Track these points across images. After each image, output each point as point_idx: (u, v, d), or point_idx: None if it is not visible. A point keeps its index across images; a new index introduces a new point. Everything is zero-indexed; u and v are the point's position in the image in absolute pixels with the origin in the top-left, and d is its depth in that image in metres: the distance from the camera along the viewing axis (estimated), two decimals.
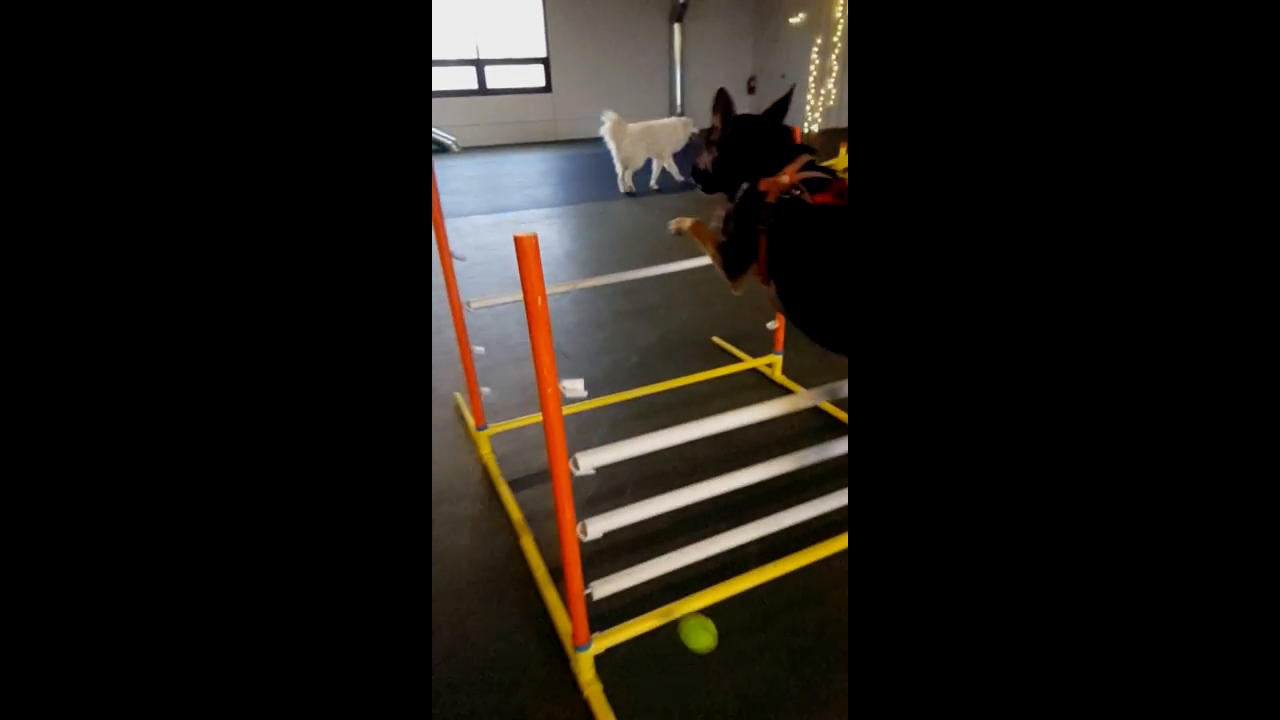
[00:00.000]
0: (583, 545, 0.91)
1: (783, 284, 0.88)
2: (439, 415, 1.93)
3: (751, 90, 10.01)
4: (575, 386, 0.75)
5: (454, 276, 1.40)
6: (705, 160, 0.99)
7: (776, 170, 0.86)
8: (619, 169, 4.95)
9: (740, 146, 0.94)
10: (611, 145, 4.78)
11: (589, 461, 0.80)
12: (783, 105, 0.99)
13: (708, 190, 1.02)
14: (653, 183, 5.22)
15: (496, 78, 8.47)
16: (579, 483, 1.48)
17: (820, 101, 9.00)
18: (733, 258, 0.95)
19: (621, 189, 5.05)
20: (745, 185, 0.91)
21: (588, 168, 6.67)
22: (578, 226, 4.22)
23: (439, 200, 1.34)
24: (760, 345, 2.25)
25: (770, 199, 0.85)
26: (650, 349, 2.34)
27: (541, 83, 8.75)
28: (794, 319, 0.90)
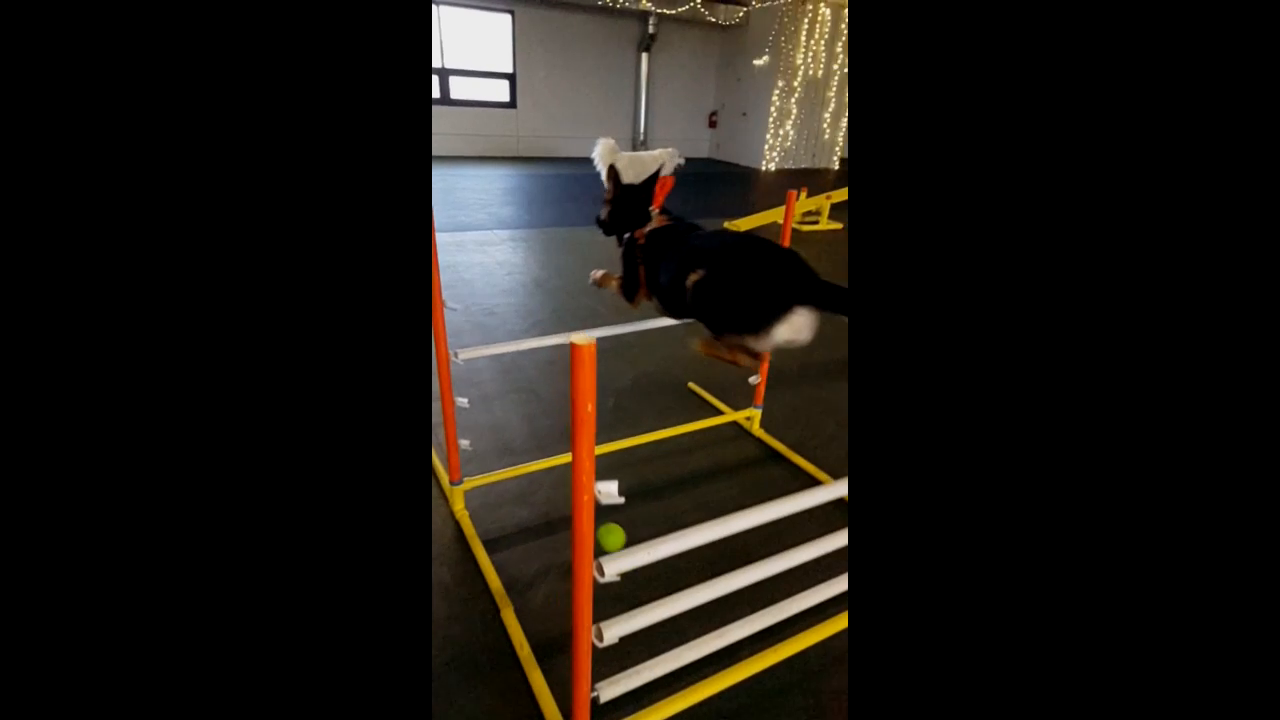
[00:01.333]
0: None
1: (657, 293, 1.30)
2: None
3: (713, 125, 10.30)
4: (610, 491, 0.70)
5: (444, 327, 1.32)
6: (603, 213, 1.43)
7: (645, 224, 1.34)
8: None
9: (623, 206, 1.39)
10: (602, 170, 4.83)
11: (614, 568, 0.75)
12: (653, 179, 1.46)
13: (605, 234, 1.45)
14: None
15: (460, 88, 8.31)
16: (558, 539, 1.41)
17: (778, 142, 9.38)
18: (628, 286, 1.39)
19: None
20: (626, 235, 1.37)
21: (552, 189, 6.60)
22: (546, 252, 4.15)
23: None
24: (733, 392, 2.26)
25: (641, 241, 1.32)
26: (626, 391, 2.30)
27: (506, 98, 8.66)
28: (665, 309, 1.33)
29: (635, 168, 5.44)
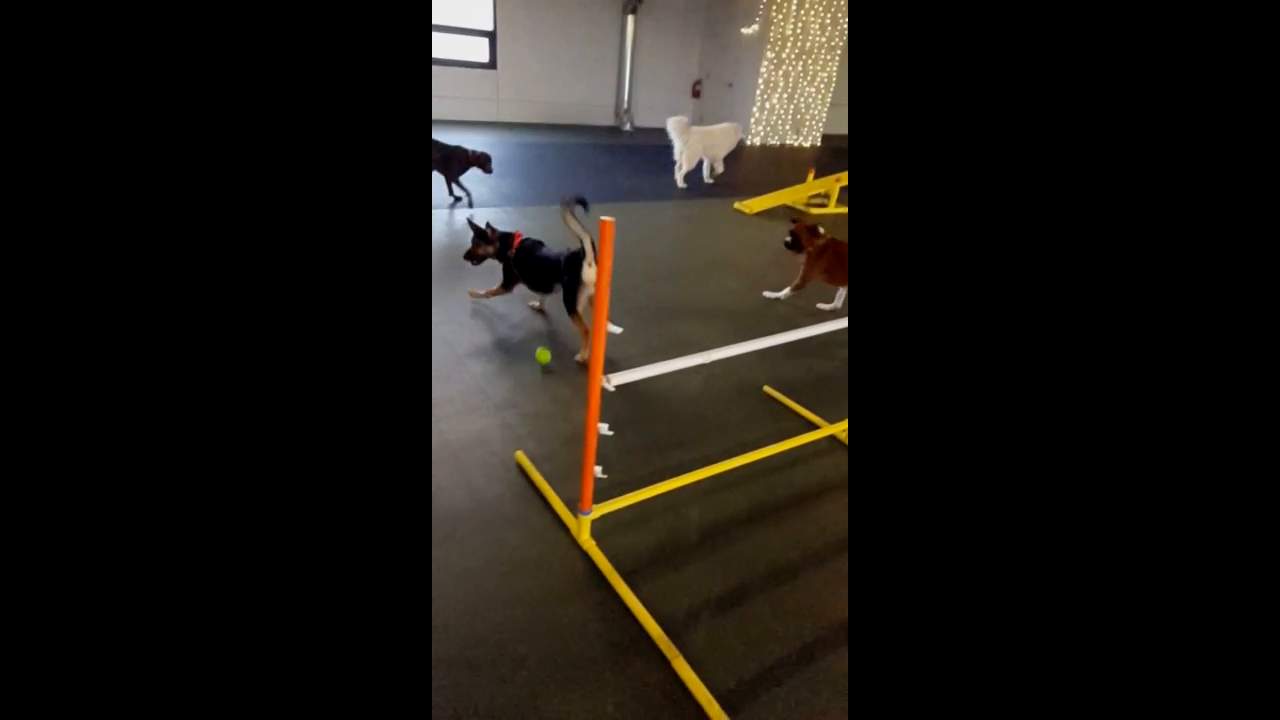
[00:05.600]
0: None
1: (528, 280, 2.60)
2: (499, 480, 1.67)
3: (696, 94, 10.00)
4: None
5: (603, 352, 1.18)
6: (479, 251, 2.72)
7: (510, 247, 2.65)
8: (679, 163, 5.73)
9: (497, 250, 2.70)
10: (677, 143, 5.66)
11: None
12: (510, 237, 2.67)
13: (474, 264, 2.81)
14: (707, 178, 6.10)
15: (436, 45, 7.70)
16: (696, 569, 1.31)
17: (764, 115, 9.22)
18: (508, 281, 2.72)
19: (680, 183, 5.76)
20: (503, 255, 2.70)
21: (548, 160, 6.26)
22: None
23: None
24: (810, 394, 2.21)
25: (513, 255, 2.62)
26: (702, 398, 2.21)
27: (486, 58, 8.11)
28: (533, 288, 2.60)
29: (706, 141, 5.99)
